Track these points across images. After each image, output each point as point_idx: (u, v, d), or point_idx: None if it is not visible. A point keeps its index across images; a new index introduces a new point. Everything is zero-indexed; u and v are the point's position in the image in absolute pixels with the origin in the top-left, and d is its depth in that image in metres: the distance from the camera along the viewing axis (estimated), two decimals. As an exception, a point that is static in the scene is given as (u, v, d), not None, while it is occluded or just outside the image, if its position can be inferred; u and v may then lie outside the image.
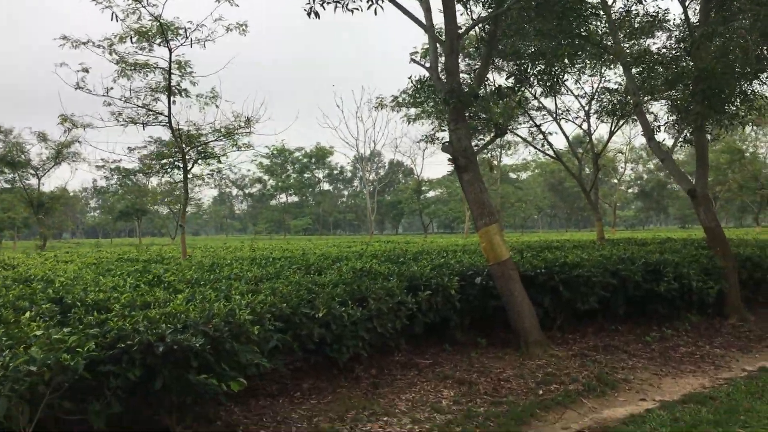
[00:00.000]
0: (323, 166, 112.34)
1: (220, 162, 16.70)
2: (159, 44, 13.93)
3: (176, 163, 15.90)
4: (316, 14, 7.89)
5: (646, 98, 13.44)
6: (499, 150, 69.20)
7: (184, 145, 15.15)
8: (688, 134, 13.47)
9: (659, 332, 10.43)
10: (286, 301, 6.92)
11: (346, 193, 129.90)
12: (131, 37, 13.67)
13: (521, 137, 22.93)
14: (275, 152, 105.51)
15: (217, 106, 15.84)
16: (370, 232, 63.74)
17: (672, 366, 8.68)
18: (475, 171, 9.17)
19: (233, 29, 14.49)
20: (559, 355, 8.88)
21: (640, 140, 71.75)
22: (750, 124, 11.44)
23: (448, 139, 9.11)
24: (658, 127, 13.15)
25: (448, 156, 9.05)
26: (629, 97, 16.48)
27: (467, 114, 9.56)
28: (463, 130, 9.19)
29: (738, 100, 10.57)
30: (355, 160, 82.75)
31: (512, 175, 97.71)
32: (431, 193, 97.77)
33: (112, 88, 13.91)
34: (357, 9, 7.98)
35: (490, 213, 9.11)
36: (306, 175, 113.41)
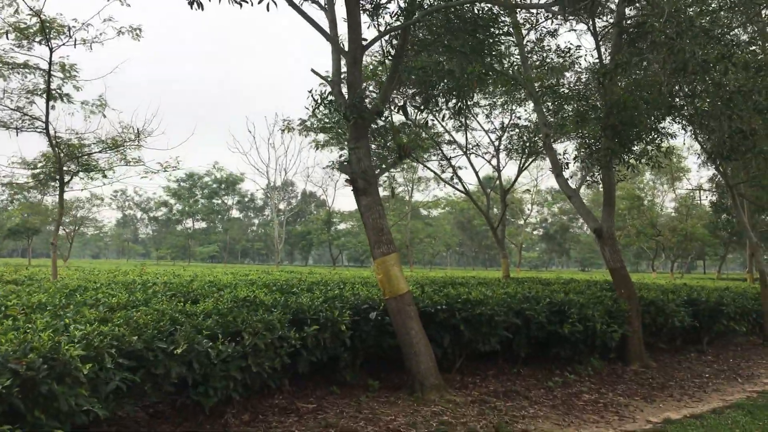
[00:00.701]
0: (233, 192, 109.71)
1: (105, 176, 15.21)
2: (39, 42, 12.57)
3: (52, 175, 14.38)
4: (200, 5, 6.95)
5: (554, 135, 13.10)
6: (410, 185, 69.54)
7: (63, 155, 13.71)
8: (596, 173, 13.21)
9: (562, 377, 9.87)
10: (139, 333, 5.83)
11: (256, 221, 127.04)
12: (7, 33, 12.27)
13: (431, 170, 22.55)
14: (185, 176, 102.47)
15: (104, 116, 14.50)
16: (277, 261, 62.06)
17: (575, 415, 8.05)
18: (375, 195, 8.38)
19: (125, 32, 13.31)
20: (457, 401, 8.09)
21: (546, 182, 73.58)
22: (656, 164, 11.15)
23: (347, 159, 8.30)
24: (566, 164, 12.82)
25: (346, 177, 8.23)
26: (539, 135, 16.23)
27: (371, 134, 8.80)
28: (363, 150, 8.41)
29: (648, 137, 10.28)
30: (266, 188, 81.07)
31: (423, 212, 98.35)
32: (342, 225, 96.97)
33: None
34: (246, 2, 7.08)
35: (389, 241, 8.32)
36: (216, 201, 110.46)
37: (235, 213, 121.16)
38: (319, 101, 8.44)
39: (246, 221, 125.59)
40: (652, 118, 9.74)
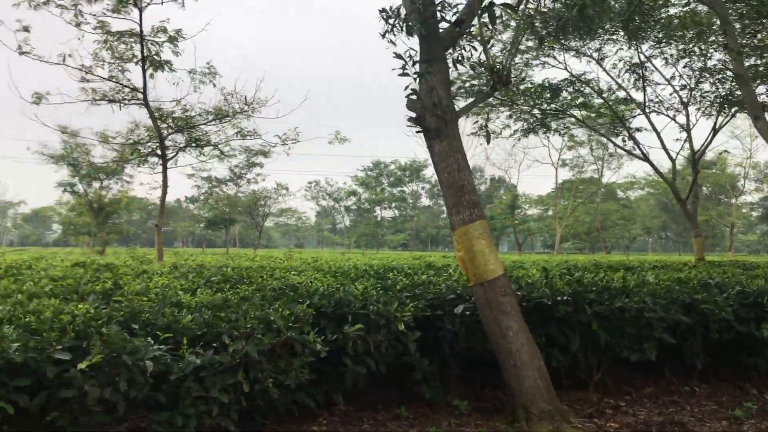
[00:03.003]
0: (417, 179, 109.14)
1: (220, 152, 13.98)
2: (127, 2, 11.41)
3: (154, 149, 13.35)
4: None
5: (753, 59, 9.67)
6: (601, 162, 64.15)
7: (167, 128, 12.56)
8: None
9: (760, 401, 6.71)
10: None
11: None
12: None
13: (607, 137, 19.21)
14: (371, 164, 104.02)
15: (214, 85, 13.17)
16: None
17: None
18: (452, 139, 5.87)
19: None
20: (580, 439, 5.42)
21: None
22: None
23: (416, 90, 5.88)
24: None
25: (409, 116, 5.81)
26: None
27: (454, 54, 6.28)
28: (438, 76, 5.94)
29: None
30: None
31: (620, 194, 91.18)
32: (533, 211, 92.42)
33: (70, 55, 11.47)
34: None
35: (472, 204, 5.78)
36: (402, 189, 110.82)
37: (424, 200, 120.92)
38: (388, 18, 6.07)
39: (436, 208, 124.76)
40: None
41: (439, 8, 6.05)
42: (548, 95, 17.23)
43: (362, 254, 38.15)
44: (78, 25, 11.43)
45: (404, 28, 5.95)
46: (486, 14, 5.75)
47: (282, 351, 4.93)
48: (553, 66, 17.73)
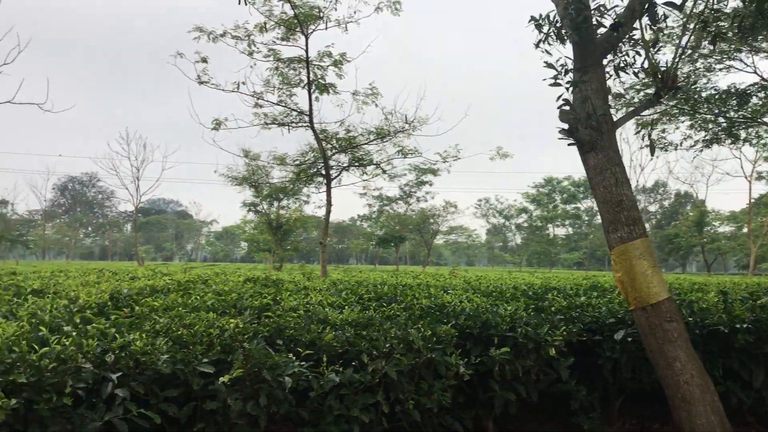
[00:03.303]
0: (593, 196, 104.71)
1: (382, 170, 14.21)
2: (293, 30, 11.97)
3: (318, 170, 13.80)
4: None
5: None
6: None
7: (331, 148, 13.00)
8: None
9: None
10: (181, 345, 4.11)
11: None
12: (265, 25, 11.91)
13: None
14: (543, 181, 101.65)
15: (376, 105, 13.45)
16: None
17: None
18: (609, 151, 5.43)
19: (384, 7, 12.05)
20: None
21: None
22: None
23: (568, 101, 5.52)
24: None
25: (561, 128, 5.46)
26: None
27: (615, 61, 5.83)
28: (593, 85, 5.55)
29: None
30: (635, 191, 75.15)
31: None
32: (724, 228, 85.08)
33: (243, 83, 12.22)
34: None
35: (632, 221, 5.30)
36: (576, 206, 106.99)
37: (598, 218, 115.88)
38: (539, 22, 5.79)
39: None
40: None
41: (594, 12, 5.67)
42: (734, 102, 15.75)
43: (530, 273, 37.18)
44: (250, 54, 12.17)
45: (557, 36, 5.63)
46: (647, 15, 5.29)
47: (424, 372, 4.80)
48: (740, 70, 16.20)
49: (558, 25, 5.66)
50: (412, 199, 69.87)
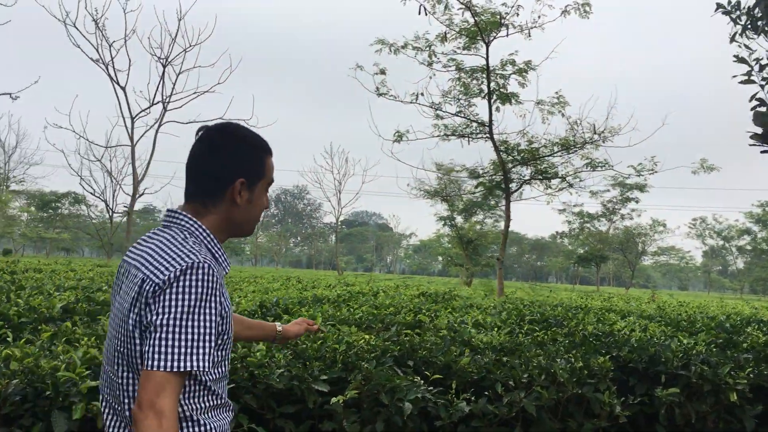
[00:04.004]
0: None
1: (570, 186, 13.38)
2: (476, 38, 11.65)
3: (498, 182, 13.24)
4: None
5: None
6: None
7: (512, 160, 12.51)
8: None
9: None
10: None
11: None
12: (446, 35, 11.74)
13: None
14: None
15: (562, 115, 12.73)
16: None
17: None
18: (819, 157, 4.44)
19: (572, 10, 11.35)
20: None
21: None
22: None
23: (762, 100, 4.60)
24: None
25: (752, 132, 4.55)
26: None
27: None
28: (798, 79, 4.60)
29: None
30: None
31: None
32: None
33: (422, 94, 12.13)
34: None
35: None
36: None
37: None
38: (728, 12, 4.94)
39: None
40: None
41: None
42: None
43: (747, 301, 33.38)
44: (429, 64, 12.03)
45: (752, 26, 4.77)
46: None
47: (572, 409, 4.21)
48: None
49: (754, 12, 4.79)
50: (616, 216, 66.27)
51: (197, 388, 1.74)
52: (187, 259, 1.65)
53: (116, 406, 1.75)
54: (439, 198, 32.73)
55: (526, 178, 12.98)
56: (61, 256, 68.92)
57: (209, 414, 1.79)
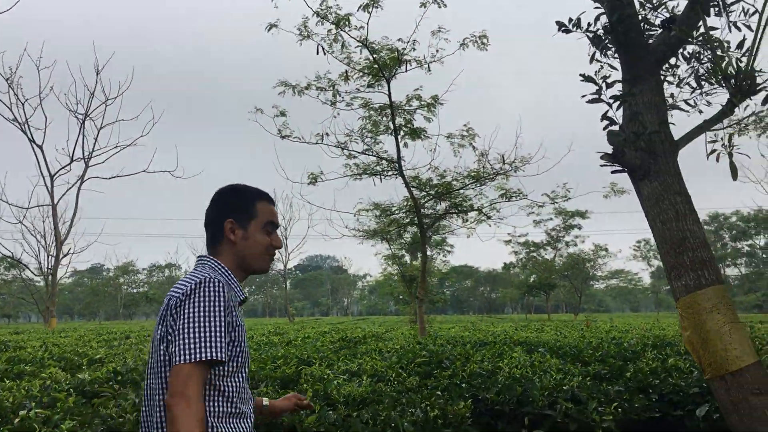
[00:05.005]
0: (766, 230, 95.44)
1: (488, 218, 13.27)
2: (378, 75, 11.54)
3: (412, 219, 13.06)
4: None
5: None
6: None
7: (424, 195, 12.33)
8: None
9: None
10: None
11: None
12: (347, 73, 11.61)
13: None
14: (708, 218, 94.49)
15: (474, 147, 12.66)
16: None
17: None
18: (668, 176, 4.29)
19: (470, 43, 11.35)
20: None
21: None
22: None
23: (616, 119, 4.47)
24: None
25: (603, 152, 4.39)
26: None
27: (668, 70, 4.73)
28: (644, 97, 4.48)
29: None
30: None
31: None
32: None
33: (327, 134, 11.94)
34: None
35: (699, 264, 4.10)
36: (750, 243, 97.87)
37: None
38: (567, 30, 4.81)
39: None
40: None
41: (643, 9, 4.63)
42: None
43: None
44: (333, 104, 11.87)
45: (593, 43, 4.66)
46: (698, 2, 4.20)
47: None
48: None
49: (594, 30, 4.67)
50: (560, 244, 67.03)
51: (213, 393, 1.99)
52: (200, 276, 2.00)
53: (149, 418, 2.00)
54: (379, 238, 32.43)
55: (440, 213, 12.84)
56: (3, 322, 66.29)
57: (225, 421, 2.00)
